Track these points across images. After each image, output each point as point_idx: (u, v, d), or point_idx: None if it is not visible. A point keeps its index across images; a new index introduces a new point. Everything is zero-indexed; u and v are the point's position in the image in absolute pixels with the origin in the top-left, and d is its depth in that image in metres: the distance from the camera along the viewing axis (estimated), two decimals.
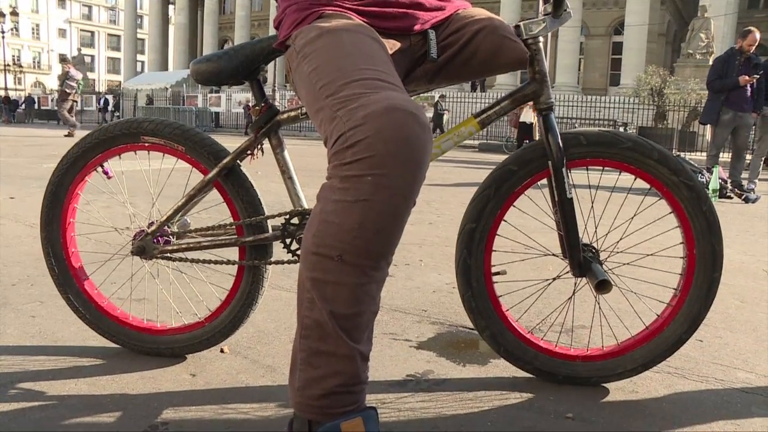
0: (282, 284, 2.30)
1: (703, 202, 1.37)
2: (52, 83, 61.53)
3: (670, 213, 1.43)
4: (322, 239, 0.93)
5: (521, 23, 1.32)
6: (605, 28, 32.77)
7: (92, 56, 78.53)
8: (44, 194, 1.61)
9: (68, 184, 1.61)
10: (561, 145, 1.34)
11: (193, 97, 27.77)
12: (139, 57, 52.76)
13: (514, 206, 1.46)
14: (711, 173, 6.73)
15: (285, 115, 1.42)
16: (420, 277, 2.55)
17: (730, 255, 3.43)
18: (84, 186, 1.63)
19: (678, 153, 15.65)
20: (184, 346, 1.59)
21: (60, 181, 1.60)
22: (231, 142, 14.91)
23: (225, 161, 1.44)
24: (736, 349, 1.90)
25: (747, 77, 7.36)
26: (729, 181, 7.23)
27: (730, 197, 6.81)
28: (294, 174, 1.44)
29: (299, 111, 1.38)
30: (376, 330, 1.82)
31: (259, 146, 1.44)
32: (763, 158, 7.91)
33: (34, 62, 77.64)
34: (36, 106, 35.86)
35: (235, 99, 27.65)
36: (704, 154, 14.86)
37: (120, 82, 54.05)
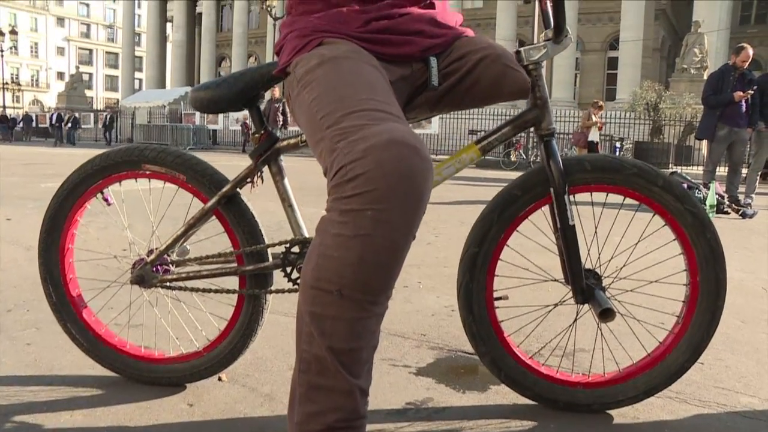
0: (280, 309, 2.29)
1: (707, 229, 1.37)
2: (50, 101, 61.60)
3: (674, 240, 1.42)
4: (321, 273, 0.92)
5: (522, 49, 1.31)
6: (600, 44, 33.00)
7: (90, 74, 78.83)
8: (43, 219, 1.60)
9: (67, 210, 1.60)
10: (563, 171, 1.33)
11: (190, 115, 27.79)
12: (137, 74, 52.90)
13: (517, 231, 1.46)
14: (708, 189, 6.74)
15: (285, 143, 1.41)
16: (419, 300, 2.54)
17: (729, 273, 3.41)
18: (83, 212, 1.62)
19: (674, 169, 15.71)
20: (182, 375, 1.57)
21: (59, 207, 1.59)
22: (228, 160, 14.94)
23: (224, 190, 1.44)
24: (738, 372, 1.89)
25: (741, 93, 7.41)
26: (726, 196, 7.25)
27: (727, 212, 6.82)
28: (294, 202, 1.43)
29: (299, 138, 1.38)
30: (375, 356, 1.80)
31: (259, 174, 1.44)
32: (759, 173, 7.95)
33: (32, 80, 77.88)
34: (34, 124, 35.89)
35: (233, 116, 27.66)
36: (701, 168, 14.94)
37: (118, 99, 54.19)
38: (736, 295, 2.88)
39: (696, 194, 6.75)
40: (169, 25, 48.54)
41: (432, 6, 1.29)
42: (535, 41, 1.32)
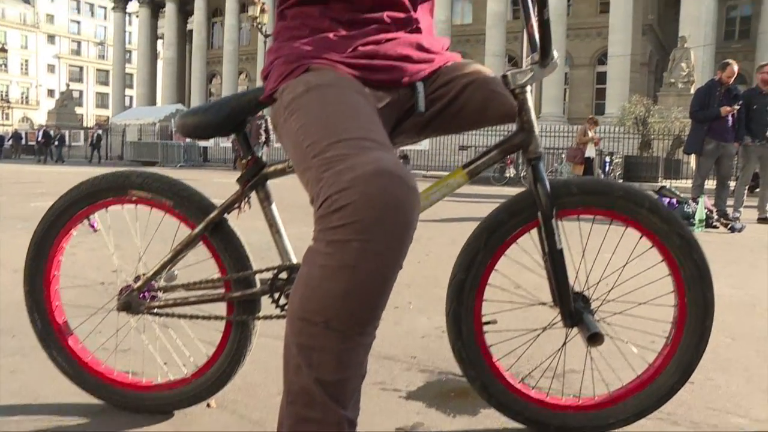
0: (270, 332, 2.27)
1: (694, 251, 1.37)
2: (40, 118, 61.45)
3: (662, 261, 1.42)
4: (307, 304, 0.92)
5: (508, 73, 1.32)
6: (589, 59, 33.35)
7: (81, 91, 78.79)
8: (28, 246, 1.59)
9: (53, 236, 1.58)
10: (550, 195, 1.34)
11: None
12: (128, 92, 52.95)
13: (505, 255, 1.46)
14: (697, 203, 6.78)
15: (272, 168, 1.41)
16: (409, 322, 2.53)
17: (718, 289, 3.41)
18: (69, 239, 1.61)
19: (663, 183, 15.82)
20: (170, 403, 1.56)
21: (45, 234, 1.58)
22: (220, 177, 14.91)
23: (211, 216, 1.43)
24: (729, 391, 1.89)
25: (728, 108, 7.50)
26: (714, 210, 7.30)
27: (716, 227, 6.86)
28: (282, 228, 1.43)
29: (286, 164, 1.38)
30: (365, 379, 1.79)
31: (246, 200, 1.43)
32: (746, 186, 8.02)
33: (22, 97, 77.77)
34: (23, 142, 35.77)
35: None
36: (689, 181, 15.05)
37: (108, 116, 54.13)
38: (726, 311, 2.89)
39: (685, 209, 6.79)
40: (159, 42, 48.67)
41: (419, 31, 1.29)
42: (524, 58, 1.33)
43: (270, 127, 14.85)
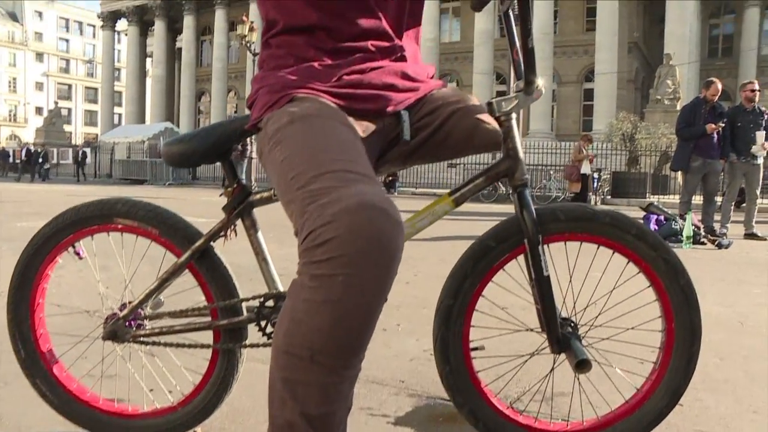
0: (257, 356, 2.25)
1: (681, 276, 1.38)
2: (28, 136, 61.18)
3: (649, 286, 1.43)
4: (292, 338, 0.92)
5: (493, 101, 1.32)
6: (576, 76, 33.67)
7: (69, 109, 78.64)
8: (12, 274, 1.57)
9: (38, 264, 1.57)
10: (536, 221, 1.34)
11: None
12: (117, 109, 52.90)
13: (492, 282, 1.46)
14: (684, 220, 6.83)
15: (258, 196, 1.41)
16: (397, 344, 2.52)
17: (706, 307, 3.43)
18: (54, 266, 1.60)
19: (652, 199, 15.92)
20: (157, 430, 1.54)
21: (29, 262, 1.57)
22: (209, 195, 14.85)
23: (197, 244, 1.43)
24: (717, 413, 1.89)
25: (713, 125, 7.60)
26: (702, 226, 7.36)
27: (703, 243, 6.91)
28: (268, 255, 1.42)
29: (272, 192, 1.38)
30: (353, 405, 1.78)
31: (232, 227, 1.43)
32: (733, 202, 8.11)
33: (10, 115, 77.49)
34: (11, 160, 35.56)
35: None
36: (677, 196, 15.16)
37: (97, 134, 53.99)
38: (714, 330, 2.90)
39: (673, 225, 6.83)
40: (149, 60, 48.73)
41: (404, 59, 1.30)
42: (512, 76, 1.34)
43: (247, 142, 14.75)
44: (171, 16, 44.06)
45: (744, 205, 8.29)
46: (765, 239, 7.73)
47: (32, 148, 33.53)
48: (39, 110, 75.00)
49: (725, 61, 37.33)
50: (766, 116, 8.08)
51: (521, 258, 1.41)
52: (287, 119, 1.10)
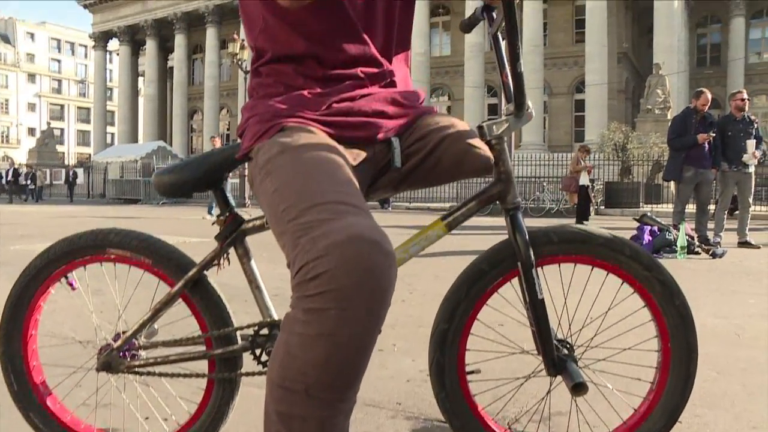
0: (254, 380, 2.24)
1: (676, 296, 1.38)
2: (20, 157, 61.03)
3: (644, 307, 1.43)
4: (287, 372, 0.91)
5: (484, 124, 1.33)
6: (567, 87, 33.87)
7: (62, 129, 78.57)
8: (4, 307, 1.56)
9: (30, 296, 1.56)
10: (529, 244, 1.34)
11: None
12: (109, 129, 52.87)
13: (487, 305, 1.45)
14: (678, 230, 6.85)
15: (250, 224, 1.40)
16: (394, 365, 2.51)
17: (702, 319, 3.45)
18: (47, 297, 1.59)
19: (646, 209, 15.97)
20: None
21: (22, 293, 1.56)
22: (202, 214, 14.80)
23: (190, 274, 1.42)
24: (717, 429, 1.89)
25: (704, 135, 7.65)
26: (696, 236, 7.38)
27: (698, 252, 6.93)
28: (262, 283, 1.41)
29: (264, 220, 1.37)
30: (350, 429, 1.77)
31: (225, 256, 1.42)
32: (726, 211, 8.15)
33: (2, 136, 77.41)
34: (3, 181, 35.45)
35: None
36: (670, 205, 15.22)
37: (90, 154, 53.92)
38: (710, 343, 2.90)
39: (667, 236, 6.85)
40: (140, 79, 48.79)
41: (393, 84, 1.30)
42: (502, 104, 1.35)
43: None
44: (162, 35, 44.21)
45: (737, 212, 8.33)
46: (759, 247, 7.77)
47: (18, 168, 33.41)
48: (32, 131, 74.93)
49: (714, 70, 37.72)
50: (755, 125, 8.15)
51: (516, 280, 1.41)
52: (277, 150, 1.10)
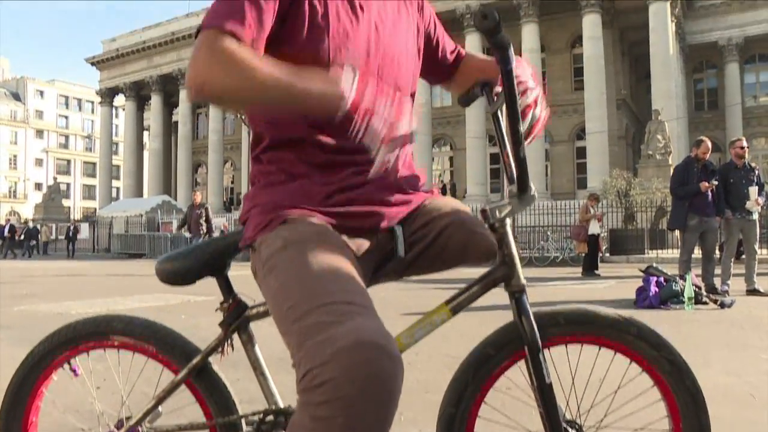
0: None
1: (686, 376, 1.36)
2: (27, 212, 61.49)
3: (653, 386, 1.41)
4: None
5: (488, 208, 1.32)
6: (568, 134, 34.20)
7: (68, 183, 79.44)
8: (5, 393, 1.54)
9: (32, 383, 1.54)
10: (536, 328, 1.33)
11: (168, 223, 27.84)
12: (115, 183, 53.38)
13: (494, 388, 1.43)
14: (685, 280, 6.80)
15: (254, 311, 1.40)
16: None
17: (713, 377, 3.38)
18: (49, 384, 1.57)
19: (651, 258, 15.90)
20: None
21: (23, 380, 1.54)
22: None
23: (195, 362, 1.41)
24: None
25: (707, 184, 7.69)
26: (703, 286, 7.33)
27: (705, 303, 6.85)
28: (266, 370, 1.40)
29: (268, 307, 1.37)
30: None
31: (229, 343, 1.41)
32: (732, 259, 8.11)
33: (10, 192, 78.23)
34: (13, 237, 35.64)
35: (212, 223, 27.72)
36: (676, 250, 15.16)
37: (95, 208, 54.30)
38: (723, 404, 2.82)
39: (673, 287, 6.80)
40: (146, 133, 49.51)
41: (396, 169, 1.31)
42: (504, 185, 1.35)
43: (210, 215, 14.36)
44: (167, 91, 45.05)
45: (743, 257, 8.30)
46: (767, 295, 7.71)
47: (15, 224, 33.57)
48: (38, 186, 75.74)
49: (712, 114, 38.16)
50: (757, 171, 8.20)
51: (522, 363, 1.39)
52: (280, 244, 1.10)
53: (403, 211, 1.29)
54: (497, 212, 1.32)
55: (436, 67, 1.51)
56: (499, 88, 1.32)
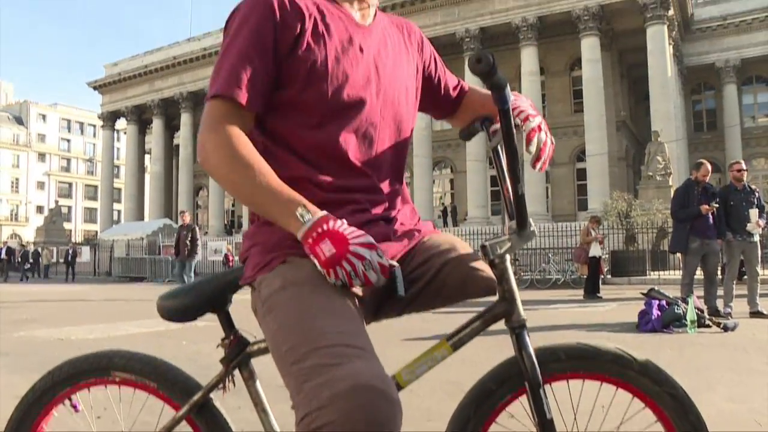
0: None
1: (689, 410, 1.35)
2: (29, 235, 61.51)
3: (656, 422, 1.40)
4: None
5: (487, 244, 1.33)
6: (568, 157, 34.24)
7: (69, 207, 79.54)
8: (5, 430, 1.54)
9: (33, 419, 1.54)
10: (536, 364, 1.33)
11: (169, 246, 27.77)
12: (116, 206, 53.51)
13: (496, 422, 1.43)
14: (687, 303, 6.78)
15: (255, 347, 1.39)
16: None
17: (717, 403, 3.35)
18: (50, 420, 1.57)
19: (652, 280, 15.85)
20: None
21: (24, 417, 1.53)
22: None
23: (196, 398, 1.41)
24: None
25: (707, 206, 7.71)
26: (705, 308, 7.31)
27: (708, 326, 6.82)
28: (267, 406, 1.40)
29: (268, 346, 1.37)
30: None
31: (230, 379, 1.41)
32: (734, 281, 8.10)
33: (11, 215, 78.35)
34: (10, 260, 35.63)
35: (212, 247, 27.74)
36: (677, 271, 15.11)
37: (96, 231, 54.33)
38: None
39: (675, 310, 6.77)
40: (147, 156, 49.70)
41: (394, 207, 1.32)
42: (505, 220, 1.35)
43: (198, 236, 14.11)
44: (168, 114, 45.31)
45: (746, 277, 8.28)
46: None
47: (12, 246, 33.57)
48: (40, 209, 75.85)
49: (711, 135, 38.31)
50: (756, 194, 8.22)
51: (524, 398, 1.39)
52: (279, 284, 1.11)
53: (402, 249, 1.29)
54: (497, 248, 1.32)
55: (438, 103, 1.53)
56: (497, 125, 1.33)
